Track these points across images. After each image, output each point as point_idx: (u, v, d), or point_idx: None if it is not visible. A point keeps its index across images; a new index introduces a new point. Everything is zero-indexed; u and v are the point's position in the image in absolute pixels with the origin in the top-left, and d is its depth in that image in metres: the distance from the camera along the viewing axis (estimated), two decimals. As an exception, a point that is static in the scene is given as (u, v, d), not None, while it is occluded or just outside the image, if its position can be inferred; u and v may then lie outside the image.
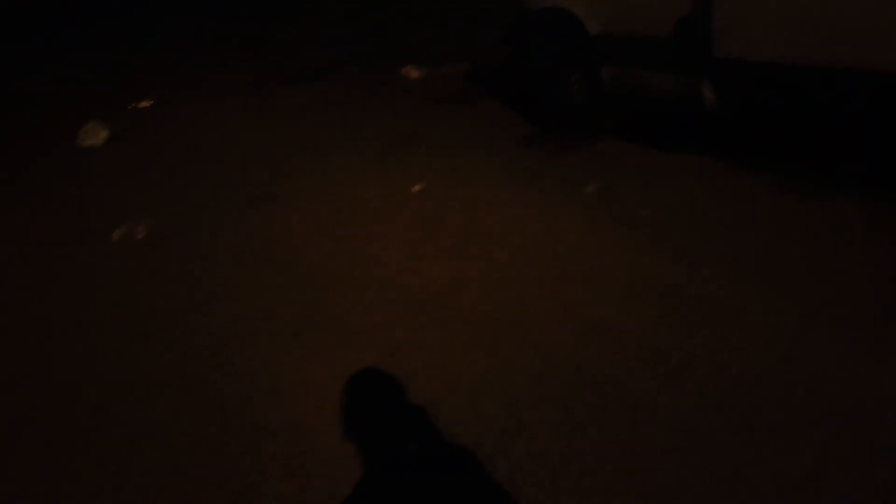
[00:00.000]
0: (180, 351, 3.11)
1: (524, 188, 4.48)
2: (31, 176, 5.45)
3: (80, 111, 6.87)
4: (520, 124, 5.85)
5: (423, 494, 2.18)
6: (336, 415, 2.59)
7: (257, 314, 3.29)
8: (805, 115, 3.90)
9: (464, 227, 4.00)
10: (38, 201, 4.96)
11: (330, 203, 4.47)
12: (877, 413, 2.35)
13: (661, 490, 2.18)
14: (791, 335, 2.77)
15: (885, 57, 3.25)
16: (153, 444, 2.58)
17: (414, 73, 7.87)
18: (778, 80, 3.79)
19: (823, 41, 3.46)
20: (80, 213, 4.64)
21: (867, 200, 3.85)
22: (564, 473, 2.26)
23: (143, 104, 7.00)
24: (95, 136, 5.83)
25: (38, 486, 2.48)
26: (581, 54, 5.04)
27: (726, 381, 2.56)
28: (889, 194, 3.87)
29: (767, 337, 2.79)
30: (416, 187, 4.64)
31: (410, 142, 5.55)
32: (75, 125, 6.25)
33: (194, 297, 3.51)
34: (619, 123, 5.19)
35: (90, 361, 3.14)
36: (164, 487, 2.40)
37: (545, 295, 3.22)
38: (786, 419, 2.35)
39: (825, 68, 3.50)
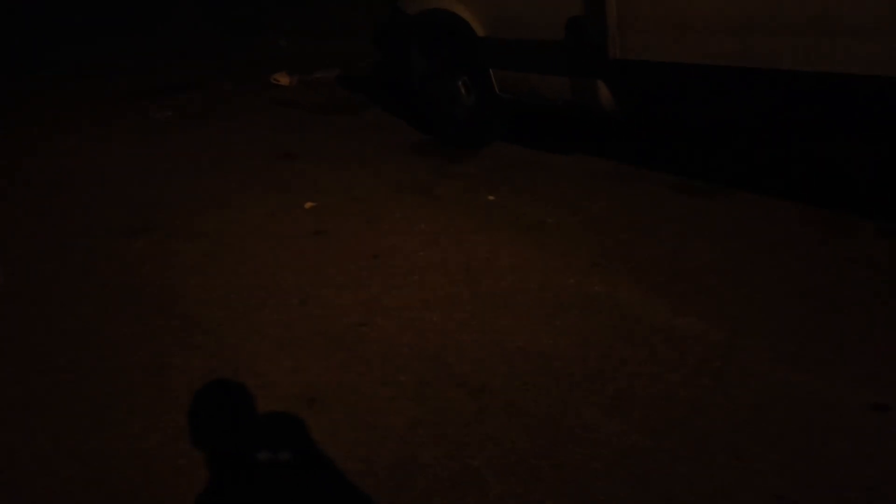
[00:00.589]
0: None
1: (423, 202, 4.26)
2: None
3: None
4: (406, 133, 5.64)
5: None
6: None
7: (142, 369, 2.88)
8: (704, 114, 3.89)
9: (366, 248, 3.72)
10: None
11: (215, 230, 4.08)
12: (828, 426, 2.28)
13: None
14: (722, 350, 2.70)
15: (777, 54, 3.25)
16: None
17: (284, 79, 7.48)
18: (676, 80, 3.75)
19: (721, 39, 3.43)
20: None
21: (766, 197, 3.89)
22: (525, 524, 2.06)
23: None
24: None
25: None
26: (466, 58, 4.87)
27: (672, 405, 2.43)
28: (786, 190, 3.93)
29: (700, 353, 2.69)
30: (309, 204, 4.32)
31: (292, 158, 5.21)
32: None
33: (60, 353, 3.05)
34: (510, 128, 5.06)
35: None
36: None
37: (465, 321, 3.01)
38: (740, 441, 2.25)
39: (724, 67, 3.47)
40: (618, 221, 3.82)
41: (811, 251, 3.34)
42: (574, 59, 4.16)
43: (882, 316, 2.82)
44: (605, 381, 2.58)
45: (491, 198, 4.26)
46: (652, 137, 4.81)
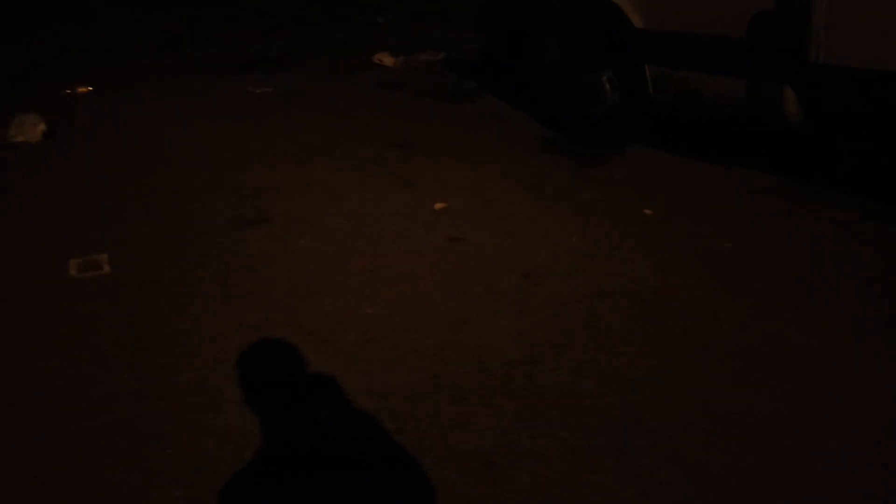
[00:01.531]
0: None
1: (569, 211, 3.78)
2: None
3: (9, 99, 5.79)
4: (528, 127, 5.14)
5: None
6: None
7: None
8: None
9: (513, 264, 3.26)
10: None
11: (337, 227, 3.66)
12: None
13: None
14: None
15: None
16: None
17: (388, 60, 7.04)
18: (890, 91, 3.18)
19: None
20: (24, 238, 3.67)
21: None
22: None
23: (81, 90, 5.94)
24: (30, 130, 4.79)
25: None
26: (615, 51, 4.34)
27: None
28: None
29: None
30: (438, 205, 3.86)
31: (408, 148, 4.76)
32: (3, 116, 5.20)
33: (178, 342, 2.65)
34: (654, 130, 4.52)
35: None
36: None
37: (655, 371, 2.51)
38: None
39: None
40: (806, 254, 3.27)
41: None
42: (757, 61, 3.60)
43: None
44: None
45: (647, 212, 3.74)
46: (839, 155, 4.20)
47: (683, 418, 2.26)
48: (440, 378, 2.50)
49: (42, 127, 4.86)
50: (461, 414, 2.33)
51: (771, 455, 2.09)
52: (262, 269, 3.26)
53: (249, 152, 4.72)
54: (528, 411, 2.35)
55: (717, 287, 3.00)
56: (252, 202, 3.96)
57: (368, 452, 2.20)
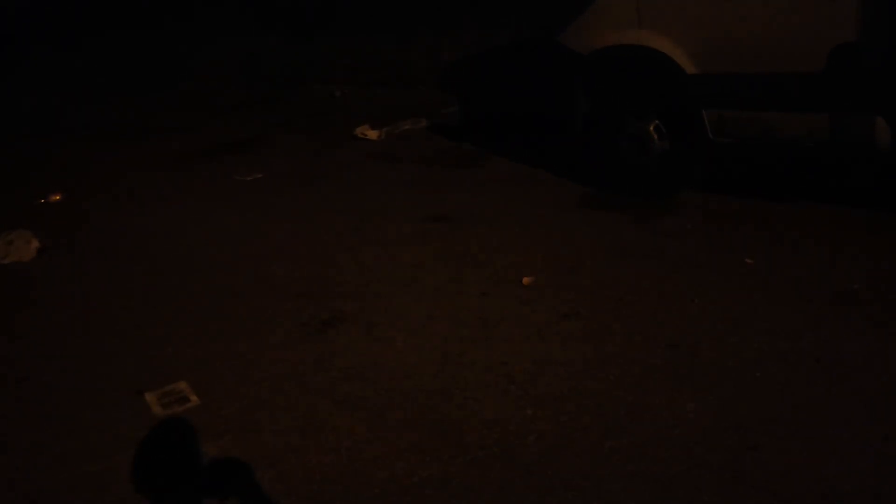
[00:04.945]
0: None
1: (659, 267, 3.56)
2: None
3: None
4: (559, 184, 4.95)
5: None
6: None
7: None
8: None
9: (651, 335, 2.98)
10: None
11: (427, 315, 3.30)
12: None
13: None
14: None
15: None
16: None
17: (371, 133, 6.74)
18: None
19: None
20: (74, 377, 3.12)
21: None
22: None
23: (54, 197, 5.37)
24: (22, 248, 4.22)
25: None
26: (666, 98, 4.19)
27: None
28: None
29: None
30: (526, 279, 3.56)
31: (444, 221, 4.44)
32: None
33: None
34: (710, 175, 4.38)
35: None
36: None
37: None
38: None
39: None
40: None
41: None
42: (843, 93, 3.50)
43: None
44: None
45: (749, 261, 3.54)
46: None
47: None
48: (671, 487, 2.16)
49: (35, 244, 4.28)
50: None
51: None
52: (378, 378, 2.85)
53: (274, 245, 4.29)
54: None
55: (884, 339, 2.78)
56: (317, 299, 3.54)
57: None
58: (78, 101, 9.27)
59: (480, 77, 7.02)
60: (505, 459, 2.33)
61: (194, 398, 2.81)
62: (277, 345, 3.18)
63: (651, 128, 4.34)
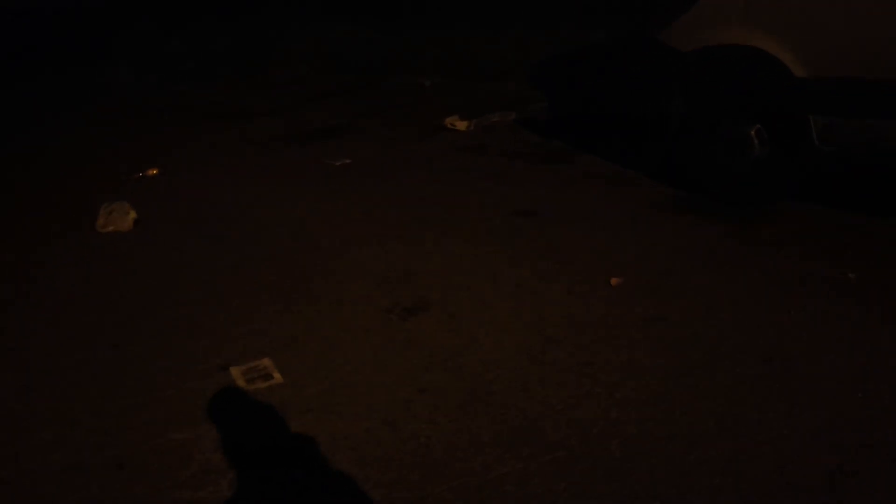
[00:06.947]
0: None
1: (752, 278, 3.42)
2: (56, 285, 3.93)
3: (80, 185, 5.40)
4: (651, 185, 4.83)
5: None
6: None
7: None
8: None
9: (741, 345, 2.87)
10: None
11: (510, 311, 3.26)
12: None
13: None
14: None
15: None
16: None
17: (460, 124, 6.72)
18: None
19: None
20: (170, 343, 3.22)
21: None
22: None
23: (151, 172, 5.54)
24: (120, 219, 4.37)
25: None
26: (770, 102, 4.03)
27: None
28: None
29: None
30: (614, 280, 3.48)
31: (531, 216, 4.39)
32: (80, 205, 4.78)
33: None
34: (811, 184, 4.20)
35: None
36: None
37: None
38: None
39: None
40: None
41: None
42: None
43: None
44: None
45: (851, 276, 3.38)
46: None
47: None
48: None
49: (133, 215, 4.43)
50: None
51: None
52: (460, 369, 2.84)
53: (364, 230, 4.32)
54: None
55: None
56: (401, 286, 3.55)
57: None
58: (175, 81, 9.56)
59: (573, 73, 6.92)
60: (587, 462, 2.28)
61: (277, 375, 2.85)
62: (360, 329, 3.19)
63: (752, 132, 4.18)
